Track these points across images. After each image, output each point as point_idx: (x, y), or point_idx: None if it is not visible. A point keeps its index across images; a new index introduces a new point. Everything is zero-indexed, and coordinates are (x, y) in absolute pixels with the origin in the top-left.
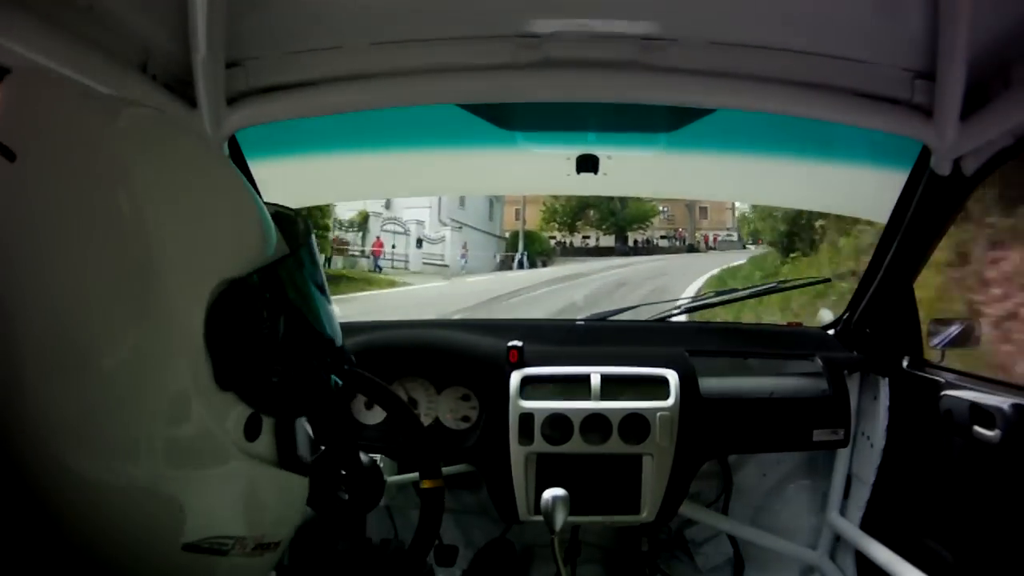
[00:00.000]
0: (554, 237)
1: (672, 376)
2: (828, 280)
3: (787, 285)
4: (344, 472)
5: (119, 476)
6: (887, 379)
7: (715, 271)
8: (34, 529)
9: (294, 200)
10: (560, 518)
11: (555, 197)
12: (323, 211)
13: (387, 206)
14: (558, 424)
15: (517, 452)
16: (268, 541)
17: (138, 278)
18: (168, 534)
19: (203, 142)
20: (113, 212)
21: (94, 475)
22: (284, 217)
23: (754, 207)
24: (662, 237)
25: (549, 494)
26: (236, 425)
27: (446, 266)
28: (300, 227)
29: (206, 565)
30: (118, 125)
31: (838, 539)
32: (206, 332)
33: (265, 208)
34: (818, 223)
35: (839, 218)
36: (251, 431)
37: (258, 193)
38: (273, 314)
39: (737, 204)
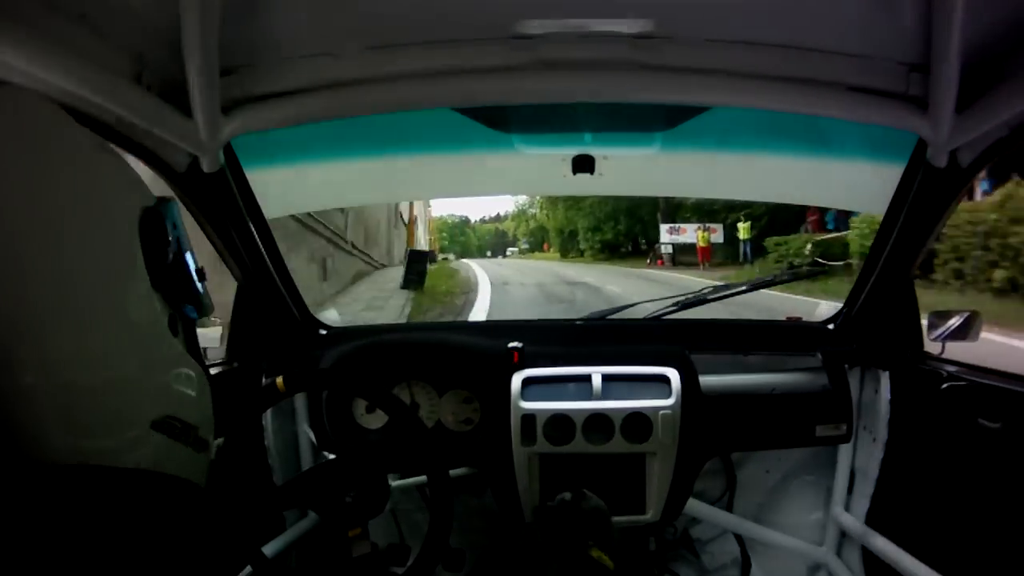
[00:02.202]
0: None
1: (673, 374)
2: (825, 271)
3: (783, 278)
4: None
5: (88, 364)
6: (888, 372)
7: None
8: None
9: (291, 207)
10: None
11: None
12: None
13: None
14: (560, 424)
15: (520, 453)
16: (202, 436)
17: (95, 211)
18: (138, 411)
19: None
20: (70, 165)
21: (70, 368)
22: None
23: None
24: None
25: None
26: (163, 320)
27: None
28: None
29: (166, 447)
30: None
31: (843, 534)
32: (141, 244)
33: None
34: None
35: None
36: (173, 327)
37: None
38: (173, 235)
39: None
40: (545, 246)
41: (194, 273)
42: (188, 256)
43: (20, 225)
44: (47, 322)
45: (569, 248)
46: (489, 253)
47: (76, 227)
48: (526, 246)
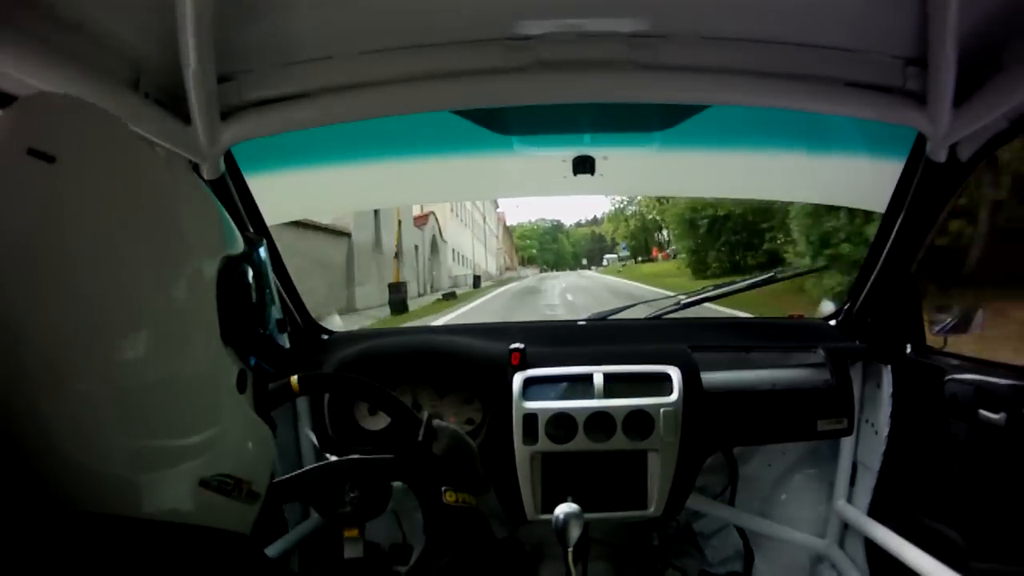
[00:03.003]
0: None
1: (675, 372)
2: (826, 267)
3: (784, 275)
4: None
5: (145, 417)
6: (890, 367)
7: None
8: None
9: (292, 212)
10: (574, 534)
11: None
12: None
13: None
14: (562, 423)
15: (522, 452)
16: (256, 490)
17: (172, 256)
18: (189, 468)
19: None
20: (153, 206)
21: (125, 414)
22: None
23: None
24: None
25: (561, 511)
26: (231, 376)
27: None
28: (255, 236)
29: (215, 504)
30: (135, 134)
31: (846, 527)
32: (218, 295)
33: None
34: None
35: None
36: (241, 384)
37: (255, 209)
38: (256, 285)
39: None
40: (655, 251)
41: (274, 326)
42: (270, 307)
43: (85, 260)
44: (98, 368)
45: (703, 256)
46: (585, 261)
47: (147, 271)
48: (625, 252)
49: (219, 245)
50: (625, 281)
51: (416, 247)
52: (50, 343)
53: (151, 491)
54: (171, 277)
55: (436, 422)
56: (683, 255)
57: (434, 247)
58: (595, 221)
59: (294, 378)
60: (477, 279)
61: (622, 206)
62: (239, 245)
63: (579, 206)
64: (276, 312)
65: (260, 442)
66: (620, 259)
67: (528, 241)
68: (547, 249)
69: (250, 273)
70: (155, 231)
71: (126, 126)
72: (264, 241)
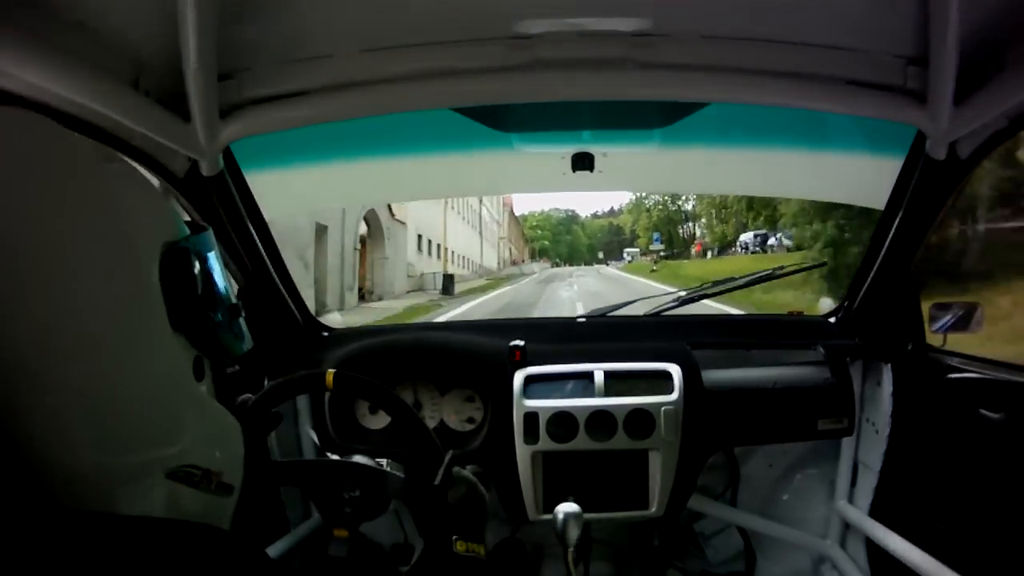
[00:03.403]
0: None
1: (675, 370)
2: (824, 264)
3: (783, 272)
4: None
5: (102, 411)
6: (890, 365)
7: None
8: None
9: (291, 209)
10: (574, 534)
11: None
12: None
13: None
14: (563, 422)
15: (523, 451)
16: (227, 481)
17: (107, 244)
18: (152, 461)
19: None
20: (84, 196)
21: (81, 414)
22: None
23: None
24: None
25: (561, 511)
26: (187, 364)
27: None
28: (203, 224)
29: (184, 496)
30: (64, 133)
31: (847, 527)
32: (161, 281)
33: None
34: None
35: None
36: (198, 372)
37: (255, 206)
38: (200, 270)
39: None
40: (698, 246)
41: (227, 310)
42: (221, 291)
43: (26, 260)
44: (52, 366)
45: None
46: (601, 255)
47: (87, 264)
48: (658, 244)
49: (158, 233)
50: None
51: (322, 228)
52: None
53: (118, 486)
54: (108, 264)
55: (456, 469)
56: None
57: (374, 231)
58: (612, 212)
59: (330, 373)
60: (448, 280)
61: (643, 196)
62: (181, 232)
63: (595, 196)
64: (230, 297)
65: (225, 431)
66: (653, 255)
67: (540, 232)
68: (560, 241)
69: (195, 260)
70: (87, 220)
71: (55, 129)
72: (209, 228)
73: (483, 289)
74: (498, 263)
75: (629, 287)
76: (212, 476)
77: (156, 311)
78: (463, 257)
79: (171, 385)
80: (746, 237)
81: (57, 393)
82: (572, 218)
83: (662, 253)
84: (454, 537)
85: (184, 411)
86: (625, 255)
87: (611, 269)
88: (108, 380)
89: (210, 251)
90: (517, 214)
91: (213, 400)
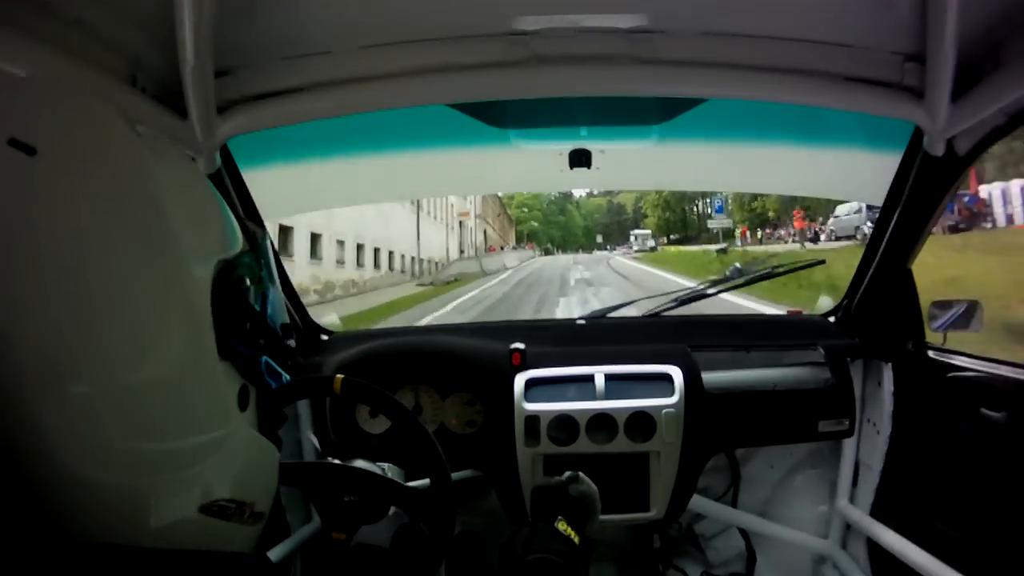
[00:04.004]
0: None
1: (676, 373)
2: (823, 262)
3: (782, 270)
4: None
5: (138, 444)
6: (890, 364)
7: None
8: (41, 509)
9: (289, 207)
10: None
11: None
12: None
13: None
14: (564, 425)
15: (524, 454)
16: (259, 510)
17: (158, 261)
18: (187, 496)
19: (184, 152)
20: (138, 205)
21: (121, 443)
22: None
23: None
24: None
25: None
26: (231, 394)
27: None
28: (257, 228)
29: (215, 529)
30: (129, 127)
31: (849, 527)
32: (212, 306)
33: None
34: None
35: None
36: (242, 401)
37: (251, 203)
38: (254, 290)
39: None
40: (743, 230)
41: (277, 332)
42: (272, 313)
43: (74, 274)
44: (87, 395)
45: None
46: (600, 238)
47: (134, 280)
48: (723, 219)
49: (215, 250)
50: None
51: None
52: (33, 354)
53: (149, 519)
54: (160, 290)
55: (580, 477)
56: None
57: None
58: (611, 192)
59: (338, 378)
60: None
61: None
62: (238, 244)
63: None
64: (281, 314)
65: (263, 462)
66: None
67: (528, 212)
68: (552, 223)
69: (248, 278)
70: (143, 237)
71: (120, 119)
72: (266, 234)
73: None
74: (460, 250)
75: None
76: (245, 507)
77: (205, 339)
78: (397, 253)
79: (214, 417)
80: (849, 216)
81: (91, 419)
82: (565, 196)
83: (670, 239)
84: (559, 516)
85: (224, 444)
86: (632, 239)
87: (627, 261)
88: (147, 411)
89: (266, 263)
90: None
91: (254, 430)
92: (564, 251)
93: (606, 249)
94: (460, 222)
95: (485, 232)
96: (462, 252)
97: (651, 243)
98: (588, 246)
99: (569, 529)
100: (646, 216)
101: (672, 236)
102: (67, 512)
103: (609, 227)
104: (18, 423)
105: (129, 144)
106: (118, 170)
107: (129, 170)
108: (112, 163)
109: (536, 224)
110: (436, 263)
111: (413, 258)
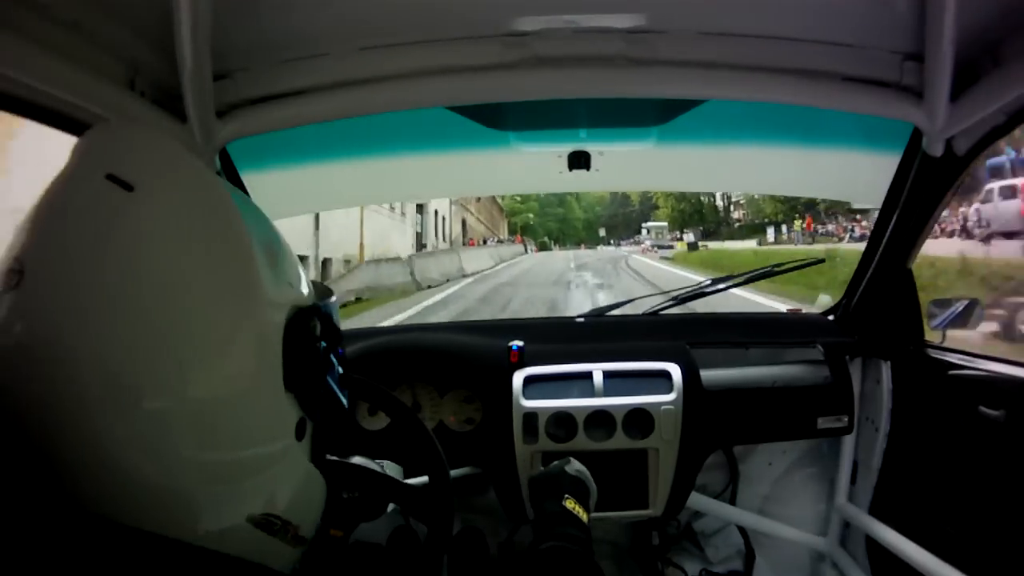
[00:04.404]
0: None
1: (675, 370)
2: (822, 260)
3: (782, 268)
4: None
5: (201, 456)
6: (889, 363)
7: None
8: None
9: (288, 210)
10: None
11: None
12: None
13: None
14: (562, 422)
15: (522, 451)
16: (302, 535)
17: (242, 294)
18: (237, 504)
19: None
20: (227, 243)
21: (187, 452)
22: None
23: None
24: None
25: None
26: (291, 423)
27: None
28: (322, 284)
29: (259, 540)
30: (213, 172)
31: (847, 525)
32: (284, 343)
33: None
34: None
35: None
36: (299, 432)
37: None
38: (323, 336)
39: None
40: (808, 222)
41: (338, 377)
42: (335, 358)
43: (157, 303)
44: (164, 406)
45: None
46: (603, 231)
47: (217, 313)
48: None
49: (290, 293)
50: None
51: None
52: (113, 372)
53: (197, 518)
54: (240, 317)
55: (569, 464)
56: None
57: None
58: None
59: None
60: None
61: None
62: (307, 296)
63: None
64: (338, 364)
65: (313, 491)
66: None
67: (523, 203)
68: (549, 215)
69: (318, 326)
70: (228, 271)
71: (204, 168)
72: (332, 295)
73: None
74: (422, 243)
75: None
76: (290, 528)
77: (274, 368)
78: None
79: (273, 440)
80: None
81: (159, 424)
82: None
83: (681, 237)
84: (566, 495)
85: (279, 466)
86: (644, 232)
87: (658, 264)
88: (215, 424)
89: (332, 319)
90: None
91: (307, 460)
92: (563, 246)
93: (610, 244)
94: (419, 206)
95: (464, 222)
96: (424, 246)
97: (669, 238)
98: (589, 240)
99: (578, 507)
100: (657, 207)
101: (686, 230)
102: (121, 512)
103: (613, 220)
104: (86, 434)
105: (213, 182)
106: (209, 211)
107: (221, 214)
108: (203, 204)
109: (531, 216)
110: (351, 263)
111: (304, 257)
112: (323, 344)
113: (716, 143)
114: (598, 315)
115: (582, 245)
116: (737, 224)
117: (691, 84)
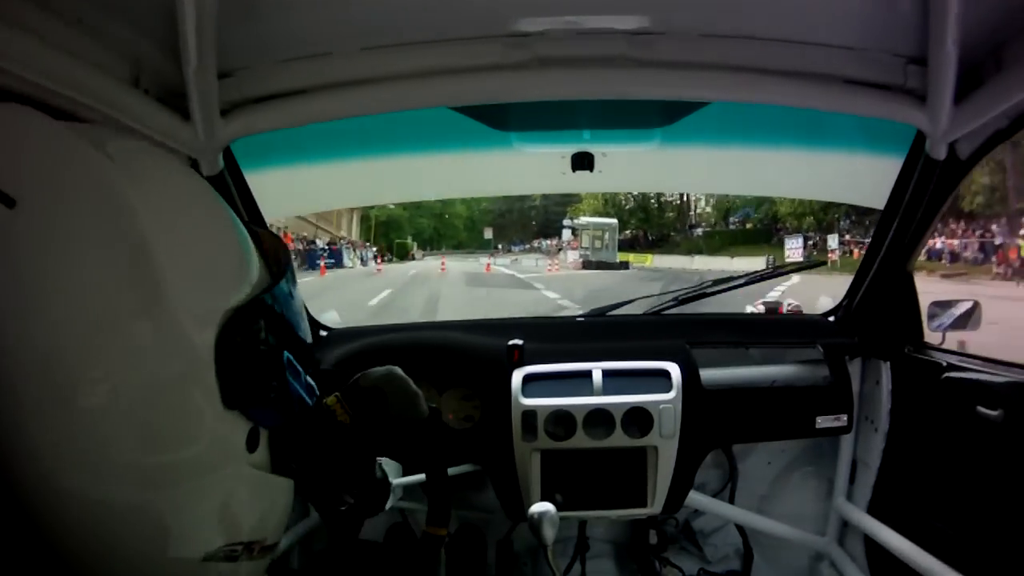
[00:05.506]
0: None
1: (674, 369)
2: (823, 263)
3: (783, 269)
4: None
5: (139, 499)
6: (889, 363)
7: None
8: (43, 557)
9: (291, 208)
10: (549, 534)
11: None
12: None
13: None
14: (561, 420)
15: (521, 449)
16: (269, 543)
17: (149, 313)
18: (189, 548)
19: (193, 176)
20: (120, 252)
21: (117, 499)
22: (260, 238)
23: None
24: None
25: (535, 510)
26: (239, 439)
27: None
28: (281, 249)
29: (221, 571)
30: (115, 162)
31: (846, 524)
32: (216, 358)
33: (247, 234)
34: None
35: None
36: (251, 443)
37: (254, 205)
38: (271, 334)
39: None
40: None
41: (296, 374)
42: (287, 355)
43: (49, 330)
44: (80, 437)
45: None
46: (489, 233)
47: (123, 343)
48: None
49: (224, 299)
50: None
51: None
52: (24, 417)
53: (154, 569)
54: (153, 345)
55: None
56: None
57: None
58: None
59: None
60: None
61: None
62: (251, 283)
63: None
64: (294, 361)
65: (275, 499)
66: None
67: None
68: (423, 208)
69: (263, 321)
70: (133, 286)
71: (98, 157)
72: (289, 273)
73: None
74: None
75: None
76: (254, 546)
77: (206, 391)
78: None
79: (219, 470)
80: None
81: (74, 472)
82: None
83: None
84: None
85: (233, 493)
86: (568, 236)
87: None
88: (146, 470)
89: (282, 308)
90: None
91: (265, 472)
92: (434, 250)
93: (499, 250)
94: None
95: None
96: None
97: (610, 242)
98: (470, 245)
99: (337, 407)
100: (576, 203)
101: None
102: (59, 553)
103: (506, 217)
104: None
105: (110, 185)
106: (99, 217)
107: (110, 216)
108: (93, 209)
109: (402, 212)
110: None
111: None
112: (271, 340)
113: (720, 145)
114: (598, 315)
115: (460, 248)
116: (701, 230)
117: (694, 86)
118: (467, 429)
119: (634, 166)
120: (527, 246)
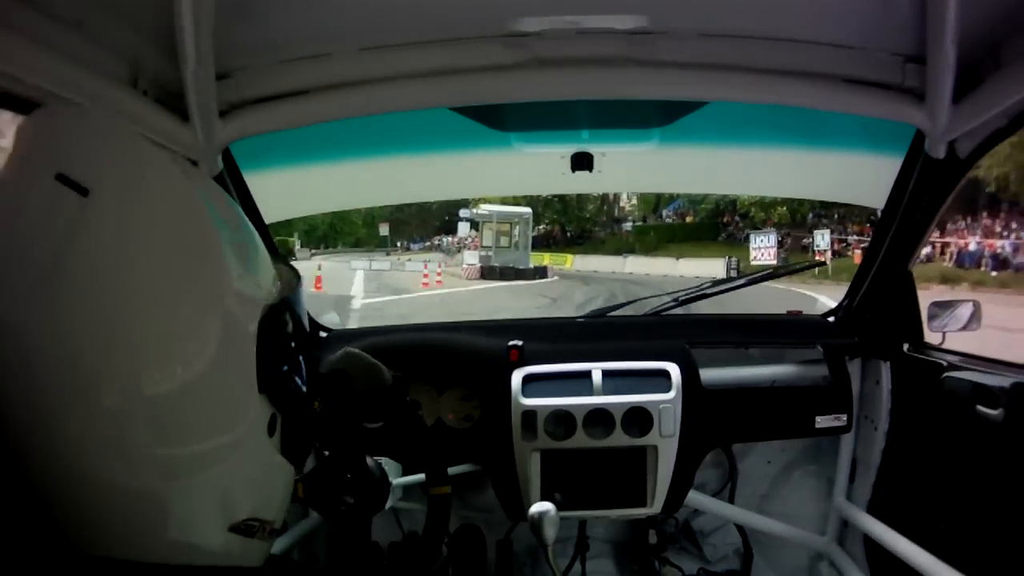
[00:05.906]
0: None
1: (673, 369)
2: (823, 263)
3: (783, 271)
4: (349, 476)
5: (184, 464)
6: (888, 363)
7: None
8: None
9: (290, 210)
10: (550, 533)
11: None
12: None
13: None
14: (561, 420)
15: (521, 449)
16: (276, 527)
17: (214, 303)
18: (219, 516)
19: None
20: (191, 244)
21: (164, 464)
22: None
23: None
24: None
25: (535, 510)
26: (264, 422)
27: None
28: (290, 267)
29: (240, 546)
30: (176, 161)
31: (845, 524)
32: (258, 346)
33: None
34: None
35: None
36: (271, 428)
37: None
38: (294, 331)
39: None
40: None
41: (303, 374)
42: (303, 351)
43: (119, 313)
44: (133, 414)
45: None
46: (385, 229)
47: (185, 324)
48: None
49: (262, 294)
50: None
51: None
52: (75, 381)
53: (178, 538)
54: (210, 322)
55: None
56: None
57: None
58: None
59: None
60: None
61: None
62: (275, 288)
63: None
64: (303, 364)
65: (284, 483)
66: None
67: None
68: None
69: (289, 323)
70: (196, 279)
71: (172, 163)
72: (300, 280)
73: None
74: None
75: None
76: (267, 525)
77: (248, 374)
78: None
79: (247, 445)
80: None
81: (124, 446)
82: None
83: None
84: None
85: (256, 468)
86: (462, 231)
87: None
88: (189, 441)
89: (300, 308)
90: None
91: (279, 457)
92: (331, 248)
93: (397, 248)
94: None
95: None
96: None
97: (520, 239)
98: (369, 243)
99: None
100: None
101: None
102: (93, 529)
103: (404, 211)
104: (49, 432)
105: (178, 179)
106: (172, 212)
107: (180, 208)
108: (166, 204)
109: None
110: None
111: None
112: (295, 336)
113: (719, 144)
114: (598, 315)
115: (351, 247)
116: (630, 224)
117: (693, 86)
118: (467, 429)
119: (633, 166)
120: (427, 243)
